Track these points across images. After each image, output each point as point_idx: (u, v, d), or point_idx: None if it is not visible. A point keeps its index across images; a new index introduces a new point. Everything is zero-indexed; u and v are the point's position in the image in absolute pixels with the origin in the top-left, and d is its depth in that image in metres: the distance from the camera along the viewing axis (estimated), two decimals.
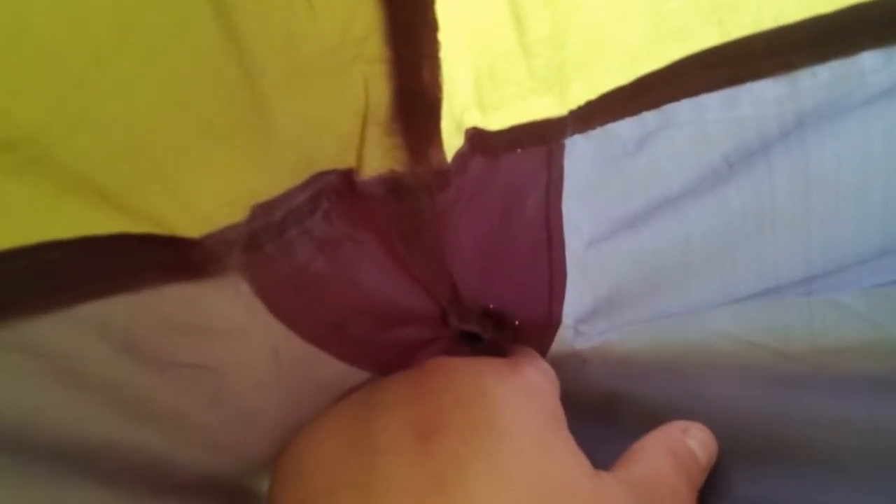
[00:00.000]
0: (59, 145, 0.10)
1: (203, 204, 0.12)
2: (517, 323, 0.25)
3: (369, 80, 0.15)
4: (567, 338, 0.25)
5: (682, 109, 0.18)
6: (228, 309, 0.14)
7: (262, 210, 0.13)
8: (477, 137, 0.19)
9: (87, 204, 0.11)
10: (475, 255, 0.22)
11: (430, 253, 0.20)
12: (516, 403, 0.19)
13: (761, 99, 0.17)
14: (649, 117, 0.18)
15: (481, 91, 0.17)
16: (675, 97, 0.18)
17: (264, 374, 0.17)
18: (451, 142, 0.18)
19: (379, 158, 0.16)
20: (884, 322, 0.18)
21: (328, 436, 0.18)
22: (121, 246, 0.12)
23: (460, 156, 0.18)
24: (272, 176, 0.13)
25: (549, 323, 0.24)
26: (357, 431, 0.18)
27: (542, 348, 0.25)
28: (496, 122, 0.19)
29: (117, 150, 0.10)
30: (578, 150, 0.20)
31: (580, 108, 0.18)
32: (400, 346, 0.21)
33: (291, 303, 0.16)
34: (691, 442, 0.20)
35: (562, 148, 0.20)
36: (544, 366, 0.22)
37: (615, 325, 0.23)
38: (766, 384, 0.20)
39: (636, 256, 0.21)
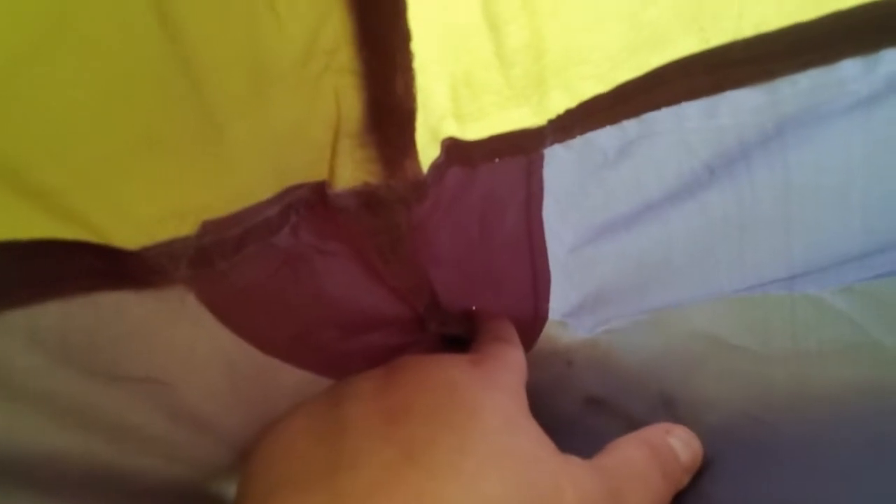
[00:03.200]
0: None
1: (143, 215, 0.11)
2: None
3: (340, 92, 0.14)
4: (553, 334, 0.25)
5: (663, 118, 0.18)
6: (173, 319, 0.13)
7: (215, 226, 0.12)
8: (454, 148, 0.18)
9: (15, 206, 0.10)
10: (455, 263, 0.22)
11: (406, 263, 0.20)
12: (481, 391, 0.19)
13: (741, 108, 0.17)
14: (629, 126, 0.18)
15: (458, 101, 0.17)
16: (655, 105, 0.17)
17: (219, 386, 0.16)
18: (427, 152, 0.17)
19: (351, 171, 0.16)
20: (863, 322, 0.18)
21: (297, 429, 0.18)
22: (48, 251, 0.11)
23: (436, 166, 0.18)
24: (231, 190, 0.12)
25: (535, 320, 0.24)
26: (325, 422, 0.18)
27: (528, 343, 0.24)
28: (474, 132, 0.18)
29: (50, 148, 0.10)
30: (559, 161, 0.19)
31: (559, 117, 0.18)
32: (371, 351, 0.21)
33: (247, 316, 0.15)
34: (672, 440, 0.20)
35: (541, 158, 0.19)
36: (511, 358, 0.22)
37: (602, 319, 0.23)
38: (750, 393, 0.20)
39: (619, 259, 0.21)
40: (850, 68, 0.16)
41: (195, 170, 0.12)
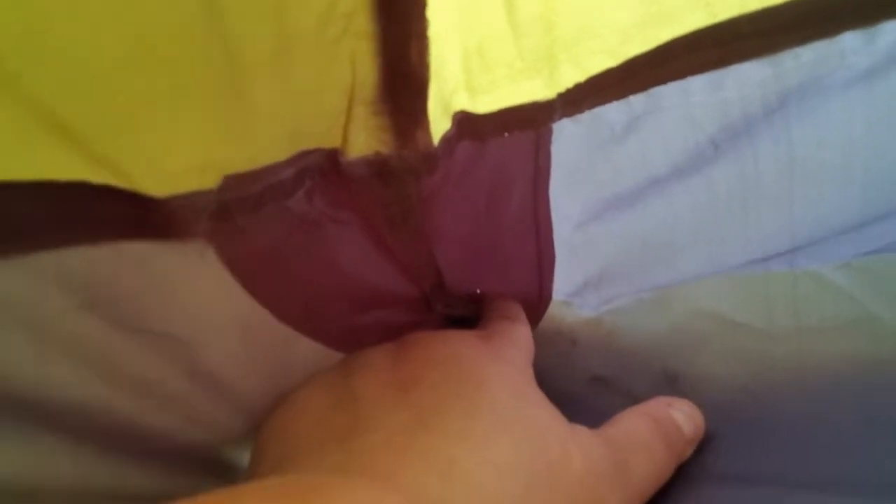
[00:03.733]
0: (26, 74, 0.09)
1: (170, 164, 0.12)
2: None
3: (357, 56, 0.14)
4: (558, 314, 0.25)
5: (669, 92, 0.18)
6: (193, 275, 0.14)
7: (237, 181, 0.13)
8: (465, 121, 0.18)
9: (49, 146, 0.10)
10: (461, 240, 0.22)
11: (414, 238, 0.20)
12: (489, 364, 0.19)
13: (746, 81, 0.17)
14: (636, 101, 0.18)
15: (470, 72, 0.17)
16: (662, 80, 0.18)
17: (235, 349, 0.16)
18: (439, 125, 0.18)
19: (365, 139, 0.16)
20: (862, 298, 0.19)
21: (310, 397, 0.18)
22: (80, 194, 0.11)
23: (447, 139, 0.18)
24: (251, 148, 0.13)
25: (540, 300, 0.24)
26: (338, 391, 0.18)
27: (533, 323, 0.25)
28: (485, 104, 0.18)
29: (84, 90, 0.10)
30: (567, 135, 0.20)
31: (569, 91, 0.18)
32: (379, 328, 0.21)
33: (263, 278, 0.15)
34: (675, 413, 0.20)
35: (549, 133, 0.19)
36: (517, 335, 0.22)
37: (606, 297, 0.23)
38: (752, 369, 0.20)
39: (624, 236, 0.21)
40: (850, 40, 0.16)
41: (218, 124, 0.12)
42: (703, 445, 0.20)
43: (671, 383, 0.22)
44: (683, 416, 0.20)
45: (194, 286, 0.14)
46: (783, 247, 0.19)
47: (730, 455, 0.19)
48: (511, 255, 0.23)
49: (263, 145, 0.13)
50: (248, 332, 0.16)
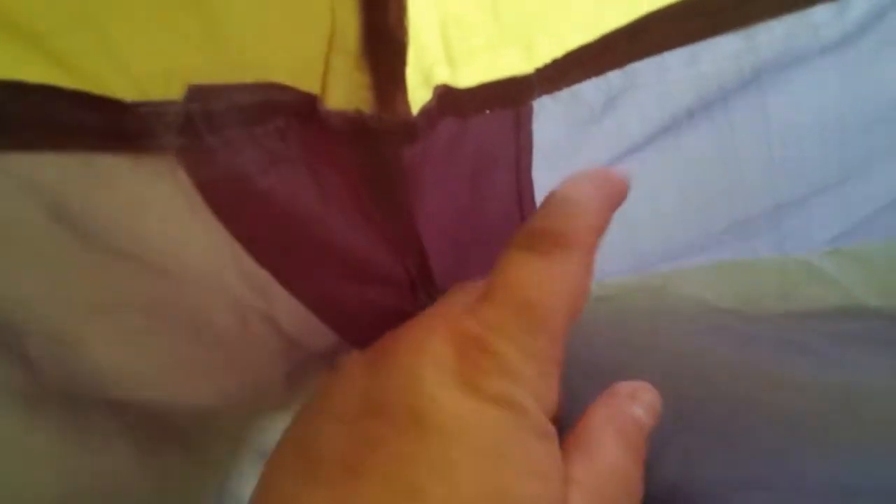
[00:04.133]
0: None
1: (135, 66, 0.12)
2: None
3: (337, 2, 0.15)
4: None
5: (646, 68, 0.18)
6: (166, 197, 0.14)
7: (200, 93, 0.13)
8: (446, 95, 0.19)
9: (17, 46, 0.11)
10: (446, 226, 0.22)
11: (398, 213, 0.20)
12: (458, 406, 0.15)
13: (721, 54, 0.18)
14: (614, 77, 0.19)
15: (448, 41, 0.18)
16: (638, 55, 0.18)
17: (210, 284, 0.16)
18: (418, 94, 0.18)
19: (345, 93, 0.16)
20: (850, 285, 0.18)
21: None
22: (50, 97, 0.11)
23: (427, 111, 0.18)
24: (215, 59, 0.13)
25: None
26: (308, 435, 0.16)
27: None
28: (465, 78, 0.19)
29: None
30: (547, 114, 0.20)
31: (546, 67, 0.19)
32: (363, 306, 0.21)
33: (238, 212, 0.15)
34: (637, 411, 0.18)
35: (530, 111, 0.20)
36: (537, 296, 0.16)
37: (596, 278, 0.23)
38: (732, 343, 0.19)
39: None
40: (822, 13, 0.17)
41: (180, 28, 0.12)
42: (684, 424, 0.19)
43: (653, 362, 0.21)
44: (645, 411, 0.18)
45: (167, 210, 0.14)
46: (767, 204, 0.19)
47: (709, 434, 0.19)
48: (496, 242, 0.23)
49: (229, 61, 0.13)
50: (224, 270, 0.16)
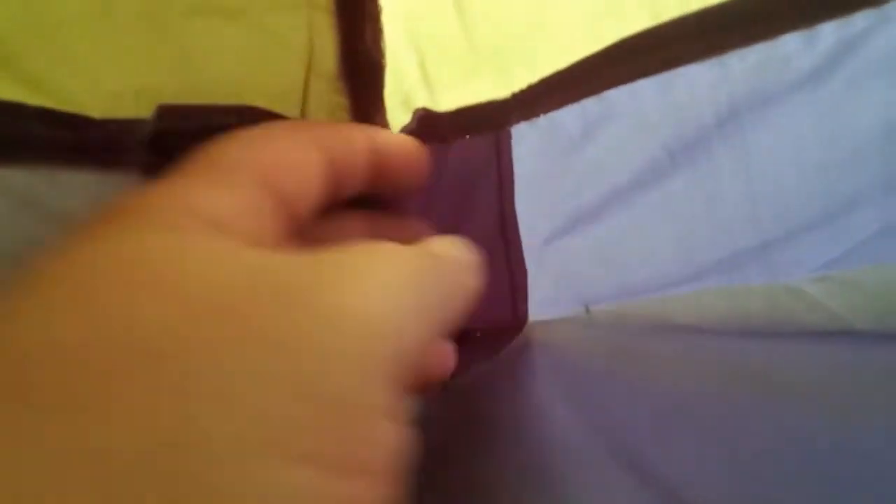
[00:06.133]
0: None
1: (108, 84, 0.12)
2: (478, 334, 0.25)
3: (315, 28, 0.16)
4: (530, 334, 0.24)
5: (621, 96, 0.19)
6: None
7: (171, 112, 0.13)
8: (426, 118, 0.19)
9: None
10: None
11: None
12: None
13: (695, 83, 0.18)
14: (590, 105, 0.19)
15: (425, 67, 0.18)
16: (613, 83, 0.19)
17: None
18: (397, 116, 0.19)
19: (324, 116, 0.17)
20: (839, 310, 0.18)
21: None
22: (17, 114, 0.12)
23: (408, 133, 0.19)
24: (189, 86, 0.13)
25: (514, 323, 0.24)
26: None
27: (506, 343, 0.24)
28: (444, 102, 0.19)
29: (13, 12, 0.11)
30: (527, 142, 0.20)
31: (523, 92, 0.19)
32: None
33: None
34: None
35: (509, 137, 0.20)
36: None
37: (581, 304, 0.23)
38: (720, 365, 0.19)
39: (594, 248, 0.21)
40: (792, 43, 0.17)
41: (155, 51, 0.13)
42: (655, 443, 0.18)
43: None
44: None
45: None
46: (754, 242, 0.19)
47: (685, 454, 0.18)
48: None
49: (203, 85, 0.14)
50: None
